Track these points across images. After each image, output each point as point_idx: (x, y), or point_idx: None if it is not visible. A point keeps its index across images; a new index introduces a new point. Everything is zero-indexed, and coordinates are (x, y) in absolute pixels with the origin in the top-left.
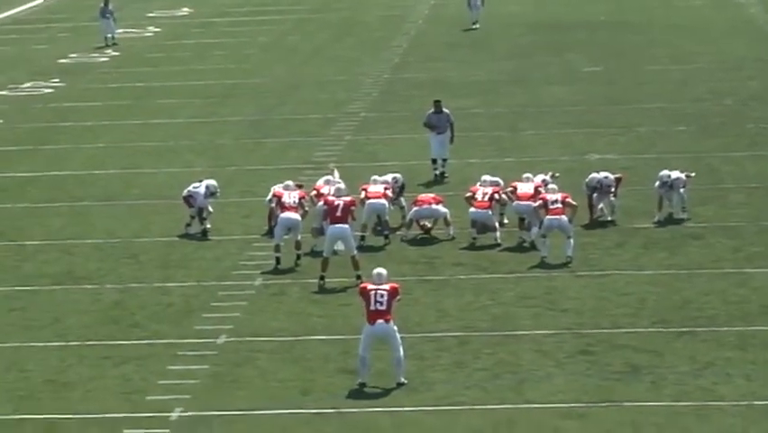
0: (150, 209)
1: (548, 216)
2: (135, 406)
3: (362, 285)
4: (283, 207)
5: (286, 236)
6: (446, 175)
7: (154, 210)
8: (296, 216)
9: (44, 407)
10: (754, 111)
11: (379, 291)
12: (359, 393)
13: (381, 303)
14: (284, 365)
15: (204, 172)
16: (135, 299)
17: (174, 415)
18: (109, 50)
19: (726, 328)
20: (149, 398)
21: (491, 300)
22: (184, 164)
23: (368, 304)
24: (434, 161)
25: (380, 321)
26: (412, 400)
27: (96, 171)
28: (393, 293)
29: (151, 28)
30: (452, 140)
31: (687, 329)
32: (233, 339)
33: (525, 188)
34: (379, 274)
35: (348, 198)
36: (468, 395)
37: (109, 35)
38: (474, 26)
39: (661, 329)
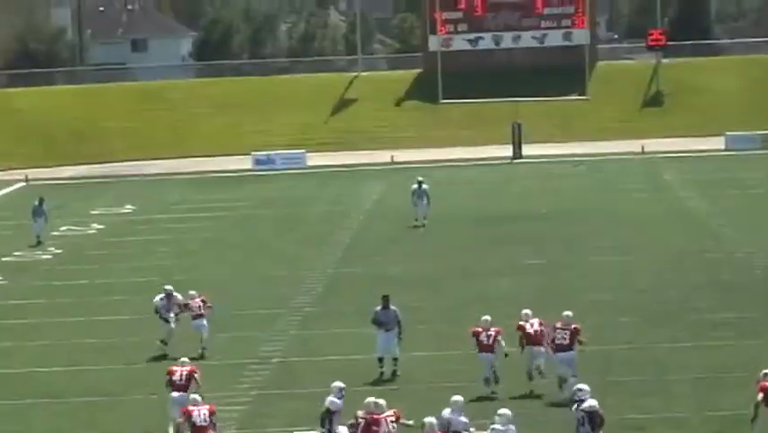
0: (95, 406)
1: None
2: None
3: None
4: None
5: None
6: (398, 374)
7: (98, 407)
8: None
9: None
10: (699, 302)
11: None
12: None
13: None
14: None
15: (144, 369)
16: None
17: None
18: (52, 248)
19: None
20: None
21: None
22: (127, 361)
23: None
24: (381, 360)
25: None
26: None
27: (40, 369)
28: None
29: (95, 225)
30: (399, 336)
31: None
32: None
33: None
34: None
35: None
36: None
37: (37, 235)
38: (422, 222)
39: None
